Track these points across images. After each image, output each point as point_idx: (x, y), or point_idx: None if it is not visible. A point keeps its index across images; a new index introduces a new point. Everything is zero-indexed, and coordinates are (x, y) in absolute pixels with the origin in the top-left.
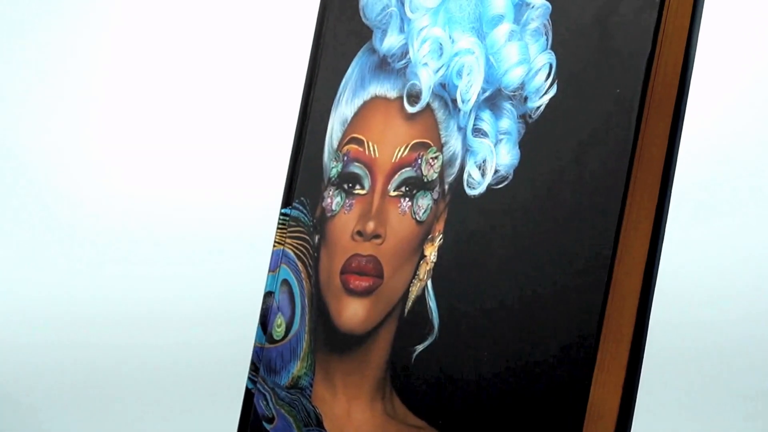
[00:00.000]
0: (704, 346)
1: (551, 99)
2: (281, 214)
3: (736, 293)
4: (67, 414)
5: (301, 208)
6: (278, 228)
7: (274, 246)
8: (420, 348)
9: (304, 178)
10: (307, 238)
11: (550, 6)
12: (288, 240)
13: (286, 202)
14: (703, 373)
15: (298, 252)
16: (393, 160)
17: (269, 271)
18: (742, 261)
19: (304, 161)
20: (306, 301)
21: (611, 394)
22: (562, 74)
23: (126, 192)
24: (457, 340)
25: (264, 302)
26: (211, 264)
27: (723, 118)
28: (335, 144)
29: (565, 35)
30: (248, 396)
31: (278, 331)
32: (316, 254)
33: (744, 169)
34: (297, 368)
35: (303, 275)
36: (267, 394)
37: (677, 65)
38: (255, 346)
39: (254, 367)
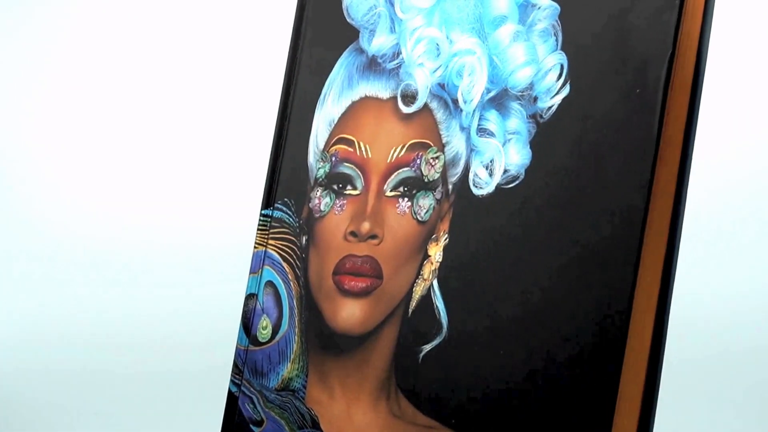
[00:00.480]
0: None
1: (564, 99)
2: (262, 215)
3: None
4: (43, 418)
5: (284, 209)
6: (259, 229)
7: (255, 247)
8: (428, 348)
9: (288, 179)
10: (293, 239)
11: (558, 7)
12: (271, 241)
13: (267, 203)
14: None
15: (283, 253)
16: (388, 161)
17: (251, 272)
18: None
19: (286, 162)
20: (294, 302)
21: (634, 394)
22: (576, 74)
23: (102, 195)
24: (470, 339)
25: (246, 304)
26: (191, 267)
27: (738, 120)
28: (321, 144)
29: (577, 36)
30: (232, 399)
31: (264, 333)
32: (304, 255)
33: (756, 172)
34: (287, 370)
35: (290, 276)
36: (254, 396)
37: (690, 66)
38: (238, 349)
39: (237, 370)
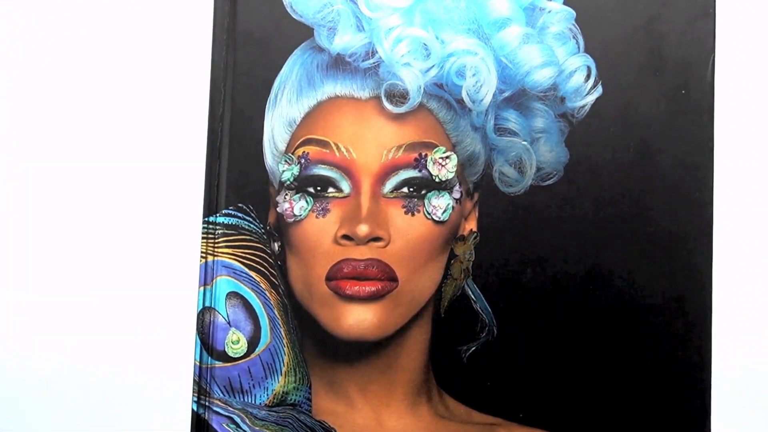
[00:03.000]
0: None
1: (598, 99)
2: (207, 222)
3: None
4: None
5: (240, 215)
6: (204, 238)
7: (201, 258)
8: (474, 346)
9: (238, 184)
10: (260, 246)
11: (573, 11)
12: (225, 250)
13: (210, 210)
14: None
15: (248, 262)
16: (382, 161)
17: (201, 285)
18: None
19: (230, 165)
20: (276, 312)
21: None
22: (607, 76)
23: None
24: (526, 335)
25: (201, 319)
26: (132, 287)
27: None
28: (281, 146)
29: (603, 40)
30: (197, 419)
31: (236, 348)
32: (279, 263)
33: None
34: (280, 384)
35: (264, 286)
36: (234, 416)
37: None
38: (198, 367)
39: (201, 390)
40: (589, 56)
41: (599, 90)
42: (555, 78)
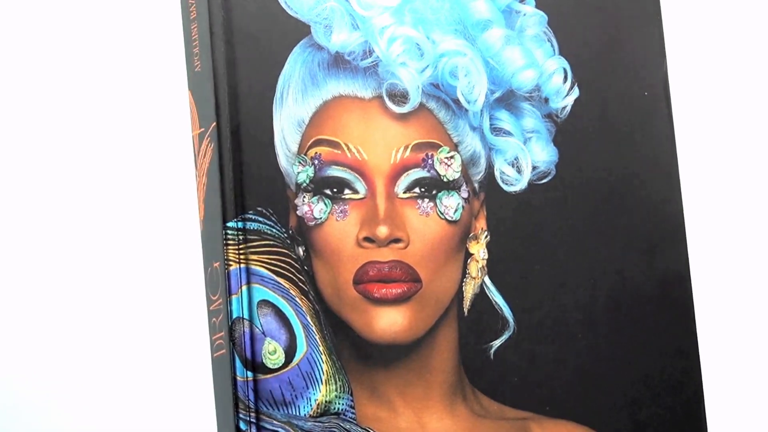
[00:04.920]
0: None
1: (576, 100)
2: (226, 228)
3: None
4: None
5: (262, 219)
6: (228, 244)
7: (228, 265)
8: (497, 343)
9: (256, 186)
10: (285, 251)
11: (545, 15)
12: (252, 256)
13: (226, 214)
14: None
15: (275, 268)
16: (392, 162)
17: (230, 294)
18: None
19: (246, 167)
20: (309, 320)
21: None
22: (582, 78)
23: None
24: (541, 329)
25: (232, 330)
26: (138, 301)
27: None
28: (293, 147)
29: (572, 43)
30: None
31: (273, 359)
32: (305, 268)
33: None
34: (321, 393)
35: (294, 293)
36: (281, 430)
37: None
38: (237, 381)
39: (243, 405)
40: (563, 59)
41: (576, 91)
42: (537, 80)
